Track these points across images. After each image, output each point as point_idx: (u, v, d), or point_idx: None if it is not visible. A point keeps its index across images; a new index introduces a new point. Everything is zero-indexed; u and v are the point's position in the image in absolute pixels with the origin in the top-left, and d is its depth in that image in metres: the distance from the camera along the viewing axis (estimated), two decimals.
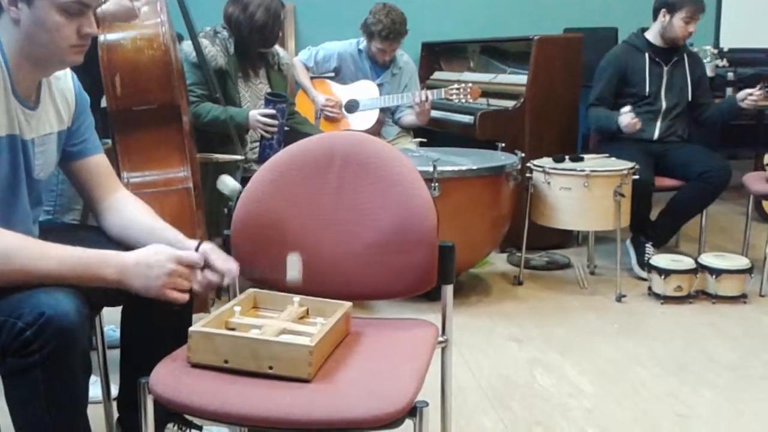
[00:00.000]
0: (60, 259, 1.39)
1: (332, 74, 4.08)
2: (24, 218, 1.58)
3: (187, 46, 3.01)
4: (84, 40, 1.50)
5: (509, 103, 3.93)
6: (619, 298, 3.24)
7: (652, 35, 3.67)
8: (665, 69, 3.65)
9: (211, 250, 1.55)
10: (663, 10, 3.59)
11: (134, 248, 1.58)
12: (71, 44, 1.48)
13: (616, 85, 3.66)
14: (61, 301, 1.32)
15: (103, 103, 2.39)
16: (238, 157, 2.94)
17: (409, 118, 3.96)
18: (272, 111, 3.09)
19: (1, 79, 1.45)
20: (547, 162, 3.37)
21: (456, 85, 3.73)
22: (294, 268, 1.60)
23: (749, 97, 3.47)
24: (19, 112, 1.50)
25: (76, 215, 2.51)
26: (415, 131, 4.09)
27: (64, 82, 1.66)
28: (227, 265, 1.54)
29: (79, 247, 1.42)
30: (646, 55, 3.64)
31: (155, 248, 1.48)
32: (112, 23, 2.35)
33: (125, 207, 1.69)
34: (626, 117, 3.47)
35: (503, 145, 3.46)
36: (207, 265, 1.53)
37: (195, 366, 1.39)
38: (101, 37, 2.30)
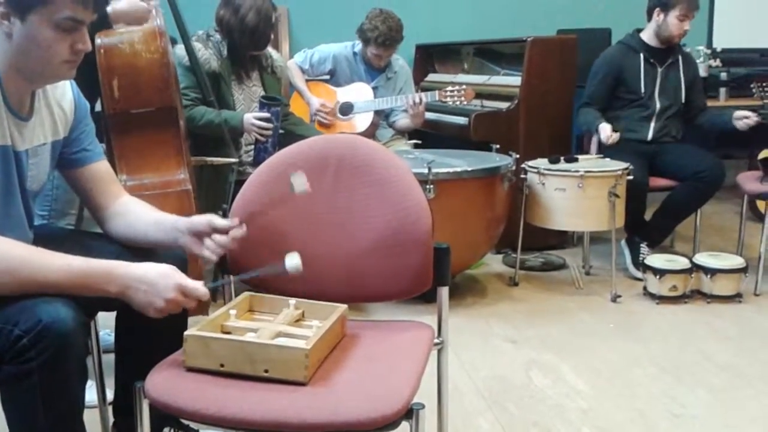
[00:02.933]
0: (65, 270, 1.37)
1: (327, 76, 4.07)
2: (17, 227, 1.57)
3: (180, 49, 3.01)
4: (77, 56, 1.48)
5: (503, 105, 3.94)
6: (615, 299, 3.25)
7: (647, 36, 3.68)
8: (659, 70, 3.66)
9: (212, 216, 1.59)
10: (657, 9, 3.60)
11: (143, 244, 1.62)
12: (64, 60, 1.47)
13: (610, 86, 3.67)
14: (58, 308, 1.31)
15: (97, 107, 2.38)
16: (232, 159, 2.93)
17: (403, 121, 3.95)
18: (267, 114, 3.09)
19: None
20: (541, 163, 3.38)
21: (450, 87, 3.72)
22: (300, 182, 1.56)
23: (745, 119, 3.48)
24: (11, 123, 1.49)
25: (71, 220, 2.51)
26: (410, 133, 4.09)
27: (62, 90, 1.65)
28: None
29: (83, 257, 1.41)
30: (641, 55, 3.65)
31: (165, 271, 1.43)
32: (114, 26, 2.34)
33: (130, 210, 1.69)
34: (606, 129, 3.46)
35: (498, 146, 3.47)
36: (214, 230, 1.56)
37: (190, 370, 1.39)
38: (98, 41, 2.29)
